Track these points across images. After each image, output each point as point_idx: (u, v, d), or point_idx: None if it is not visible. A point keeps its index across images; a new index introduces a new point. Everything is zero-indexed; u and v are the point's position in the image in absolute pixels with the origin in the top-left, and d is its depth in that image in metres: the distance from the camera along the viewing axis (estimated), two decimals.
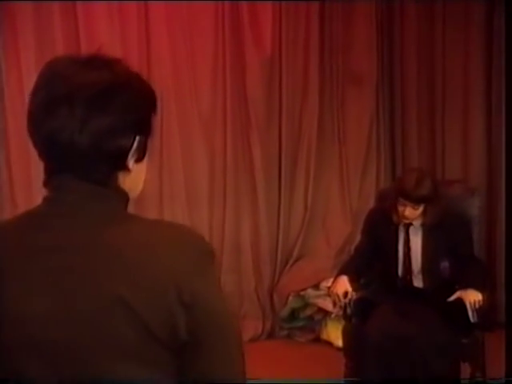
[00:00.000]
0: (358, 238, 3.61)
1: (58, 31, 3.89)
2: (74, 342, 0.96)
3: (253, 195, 4.42)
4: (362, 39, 4.48)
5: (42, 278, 0.97)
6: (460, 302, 2.95)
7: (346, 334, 3.20)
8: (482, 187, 4.09)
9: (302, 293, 4.24)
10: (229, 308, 1.03)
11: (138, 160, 1.04)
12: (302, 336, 4.28)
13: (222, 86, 4.28)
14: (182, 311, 0.95)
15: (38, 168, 3.63)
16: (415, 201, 2.94)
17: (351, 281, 3.11)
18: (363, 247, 3.30)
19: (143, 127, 1.03)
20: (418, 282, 3.13)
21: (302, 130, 4.52)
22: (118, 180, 1.03)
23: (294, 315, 4.29)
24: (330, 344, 4.08)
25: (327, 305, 3.98)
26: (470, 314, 2.92)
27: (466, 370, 3.04)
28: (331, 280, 3.38)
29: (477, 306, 2.91)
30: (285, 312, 4.28)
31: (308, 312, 4.24)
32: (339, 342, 3.53)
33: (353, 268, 3.23)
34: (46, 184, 1.04)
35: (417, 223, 3.06)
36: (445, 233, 3.04)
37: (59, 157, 0.99)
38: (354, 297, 3.10)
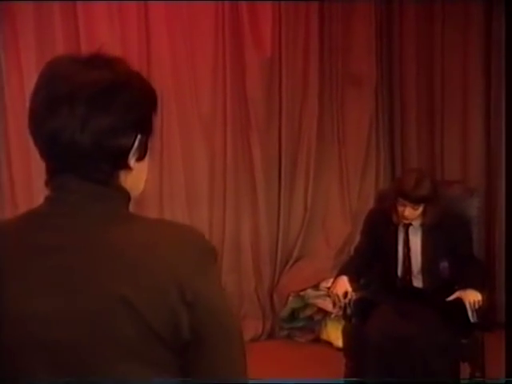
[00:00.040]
0: (357, 238, 3.61)
1: (58, 31, 3.89)
2: (77, 341, 0.96)
3: (253, 196, 4.43)
4: (362, 41, 4.49)
5: (45, 277, 0.97)
6: (460, 302, 2.95)
7: (345, 334, 3.20)
8: (480, 188, 4.09)
9: (301, 293, 4.25)
10: (231, 307, 1.04)
11: (139, 159, 1.04)
12: (302, 336, 4.29)
13: (222, 87, 4.29)
14: (184, 310, 0.95)
15: (38, 168, 3.63)
16: (415, 201, 2.95)
17: (351, 281, 3.12)
18: (363, 247, 3.31)
19: (144, 126, 1.03)
20: (417, 282, 3.13)
21: (302, 131, 4.53)
22: (119, 179, 1.03)
23: (293, 315, 4.29)
24: (329, 344, 4.08)
25: (327, 305, 3.99)
26: (469, 314, 2.92)
27: (465, 369, 3.04)
28: (331, 280, 3.39)
29: (476, 306, 2.92)
30: (285, 312, 4.28)
31: (308, 312, 4.25)
32: (339, 342, 3.54)
33: (352, 268, 3.24)
34: (47, 184, 1.03)
35: (416, 223, 3.07)
36: (444, 233, 3.05)
37: (60, 156, 0.99)
38: (354, 297, 3.10)
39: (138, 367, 0.97)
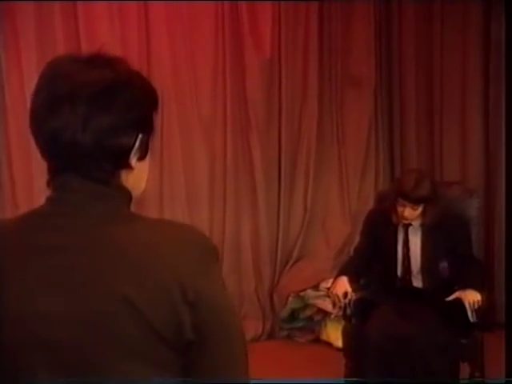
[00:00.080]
0: (357, 238, 3.62)
1: (58, 31, 3.90)
2: (79, 341, 0.96)
3: (253, 196, 4.44)
4: (361, 42, 4.50)
5: (46, 277, 0.97)
6: (459, 303, 2.96)
7: (345, 335, 3.21)
8: (479, 188, 4.09)
9: (301, 293, 4.25)
10: (233, 306, 1.04)
11: (141, 158, 1.04)
12: (302, 336, 4.29)
13: (222, 88, 4.30)
14: (186, 310, 0.95)
15: (39, 167, 3.66)
16: (414, 201, 2.95)
17: (351, 281, 3.12)
18: (363, 248, 3.31)
19: (145, 125, 1.04)
20: (417, 283, 3.14)
21: (302, 132, 4.54)
22: (120, 178, 1.03)
23: (293, 316, 4.29)
24: (329, 344, 4.09)
25: (327, 305, 3.99)
26: (469, 314, 2.92)
27: (465, 369, 3.04)
28: (331, 281, 3.40)
29: (476, 306, 2.92)
30: (285, 312, 4.28)
31: (308, 313, 4.25)
32: (339, 343, 3.55)
33: (352, 269, 3.24)
34: (49, 184, 1.04)
35: (416, 224, 3.08)
36: (444, 233, 3.06)
37: (62, 156, 0.99)
38: (354, 297, 3.11)
39: (140, 367, 0.97)
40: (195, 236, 1.02)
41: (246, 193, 4.42)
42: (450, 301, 2.99)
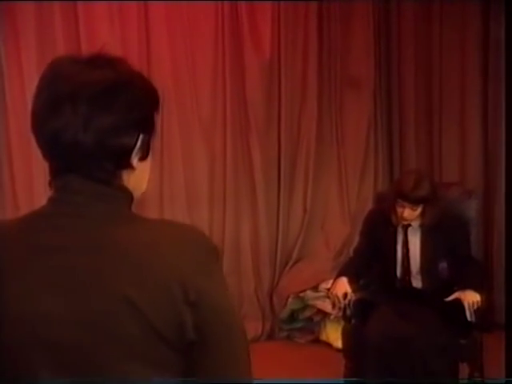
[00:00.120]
0: (356, 239, 3.62)
1: (58, 31, 3.91)
2: (80, 341, 0.96)
3: (252, 197, 4.44)
4: (360, 42, 4.51)
5: (48, 277, 0.97)
6: (458, 303, 2.96)
7: (345, 335, 3.21)
8: (478, 189, 4.10)
9: (301, 294, 4.25)
10: (234, 306, 1.04)
11: (142, 158, 1.04)
12: (302, 337, 4.30)
13: (222, 89, 4.31)
14: (187, 310, 0.95)
15: (39, 167, 3.67)
16: (414, 202, 2.96)
17: (350, 282, 3.12)
18: (362, 249, 3.32)
19: (146, 125, 1.04)
20: (416, 283, 3.14)
21: (301, 133, 4.55)
22: (122, 179, 1.03)
23: (293, 316, 4.30)
24: (329, 345, 4.09)
25: (326, 306, 4.00)
26: (468, 314, 2.93)
27: (464, 370, 3.05)
28: (330, 281, 3.40)
29: (475, 306, 2.92)
30: (284, 313, 4.29)
31: (307, 313, 4.26)
32: (338, 343, 3.55)
33: (352, 269, 3.24)
34: (50, 184, 1.03)
35: (415, 224, 3.08)
36: (443, 234, 3.06)
37: (63, 156, 0.99)
38: (354, 298, 3.11)
39: (141, 367, 0.96)
40: (196, 236, 1.02)
41: (245, 193, 4.43)
42: (450, 301, 2.99)
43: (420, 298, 3.07)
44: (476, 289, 2.98)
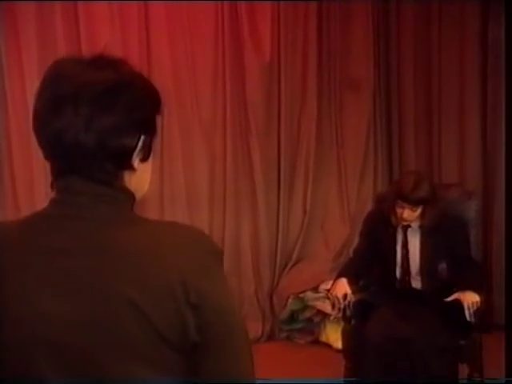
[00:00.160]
0: (356, 240, 3.62)
1: (59, 31, 3.92)
2: (83, 343, 0.96)
3: (252, 199, 4.45)
4: (359, 43, 4.52)
5: (50, 279, 0.97)
6: (458, 304, 2.96)
7: (345, 336, 3.21)
8: (478, 190, 4.10)
9: (301, 295, 4.26)
10: (236, 307, 1.04)
11: (143, 160, 1.04)
12: (302, 338, 4.30)
13: (222, 91, 4.32)
14: (190, 312, 0.95)
15: (40, 168, 3.68)
16: (413, 202, 2.96)
17: (350, 283, 3.12)
18: (362, 249, 3.32)
19: (148, 127, 1.04)
20: (416, 284, 3.14)
21: (301, 135, 4.55)
22: (123, 180, 1.03)
23: (293, 317, 4.30)
24: (328, 346, 4.10)
25: (326, 307, 4.00)
26: (467, 315, 2.93)
27: (463, 370, 3.05)
28: (330, 282, 3.41)
29: (474, 307, 2.93)
30: (284, 314, 4.29)
31: (307, 314, 4.26)
32: (338, 344, 3.56)
33: (352, 270, 3.24)
34: (52, 185, 1.03)
35: (415, 225, 3.09)
36: (442, 235, 3.07)
37: (65, 157, 1.00)
38: (353, 299, 3.12)
39: (144, 368, 0.96)
40: (198, 238, 1.02)
41: (245, 195, 4.44)
42: (449, 302, 3.00)
43: (419, 299, 3.08)
44: (475, 290, 2.98)
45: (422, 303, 3.04)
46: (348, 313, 3.13)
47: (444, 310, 2.98)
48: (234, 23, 4.30)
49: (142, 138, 1.03)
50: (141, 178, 1.06)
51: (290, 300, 4.28)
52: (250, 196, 4.44)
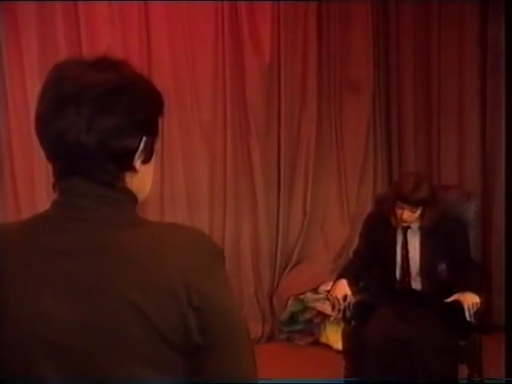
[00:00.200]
0: (356, 241, 3.63)
1: (59, 31, 3.93)
2: (84, 344, 0.96)
3: (252, 200, 4.45)
4: (359, 44, 4.52)
5: (52, 281, 0.97)
6: (458, 305, 2.96)
7: (345, 337, 3.22)
8: (477, 191, 4.11)
9: (301, 296, 4.26)
10: (237, 308, 1.04)
11: (145, 161, 1.05)
12: (302, 339, 4.30)
13: (222, 92, 4.32)
14: (192, 313, 0.95)
15: (41, 168, 3.68)
16: (413, 204, 2.97)
17: (350, 284, 3.13)
18: (362, 251, 3.32)
19: (149, 128, 1.04)
20: (416, 285, 3.15)
21: (301, 136, 4.56)
22: (125, 181, 1.03)
23: (293, 318, 4.31)
24: (328, 347, 4.10)
25: (326, 308, 4.01)
26: (467, 316, 2.94)
27: (463, 371, 3.06)
28: (330, 284, 3.41)
29: (474, 308, 2.93)
30: (284, 315, 4.30)
31: (307, 315, 4.27)
32: (338, 345, 3.56)
33: (352, 272, 3.25)
34: (54, 187, 1.04)
35: (415, 226, 3.09)
36: (442, 236, 3.07)
37: (66, 157, 1.00)
38: (353, 300, 3.12)
39: (146, 370, 0.96)
40: (200, 239, 1.02)
41: (245, 196, 4.44)
42: (449, 303, 3.00)
43: (419, 300, 3.08)
44: (475, 290, 2.99)
45: (421, 304, 3.05)
46: (348, 314, 3.14)
47: (444, 311, 2.98)
48: (234, 23, 4.31)
49: (144, 139, 1.03)
50: (142, 179, 1.07)
51: (290, 301, 4.28)
52: (249, 197, 4.45)
